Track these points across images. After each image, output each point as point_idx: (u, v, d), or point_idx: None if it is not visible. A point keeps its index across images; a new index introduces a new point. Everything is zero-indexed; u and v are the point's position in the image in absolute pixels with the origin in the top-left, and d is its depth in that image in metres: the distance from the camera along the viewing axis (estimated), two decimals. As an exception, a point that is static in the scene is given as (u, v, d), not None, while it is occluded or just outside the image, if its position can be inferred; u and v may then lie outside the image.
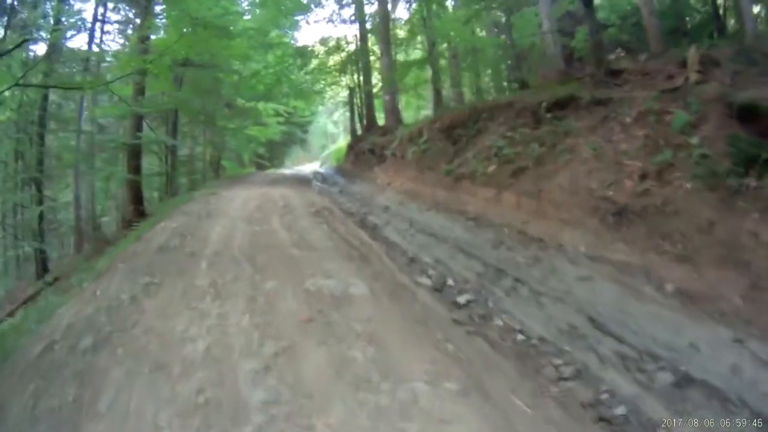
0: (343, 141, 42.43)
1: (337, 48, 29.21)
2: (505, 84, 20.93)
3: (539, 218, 8.25)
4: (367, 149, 21.03)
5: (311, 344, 4.88)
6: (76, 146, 21.21)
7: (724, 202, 5.88)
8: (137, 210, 19.07)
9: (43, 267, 19.87)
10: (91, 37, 21.31)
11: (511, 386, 4.62)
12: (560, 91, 10.25)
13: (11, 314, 12.84)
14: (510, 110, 11.29)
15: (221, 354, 4.79)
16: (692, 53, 8.34)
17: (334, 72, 29.72)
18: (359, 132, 27.79)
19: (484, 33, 21.19)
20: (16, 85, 12.35)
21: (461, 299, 7.07)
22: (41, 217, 20.21)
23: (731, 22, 13.66)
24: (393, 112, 23.34)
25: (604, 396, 4.75)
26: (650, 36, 12.11)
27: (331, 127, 58.20)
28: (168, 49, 14.60)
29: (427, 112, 28.99)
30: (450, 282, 7.78)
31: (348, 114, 45.21)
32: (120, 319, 5.83)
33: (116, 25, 23.61)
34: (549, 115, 9.83)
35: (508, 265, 7.66)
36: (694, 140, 6.77)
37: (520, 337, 5.99)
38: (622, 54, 13.89)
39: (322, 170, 30.86)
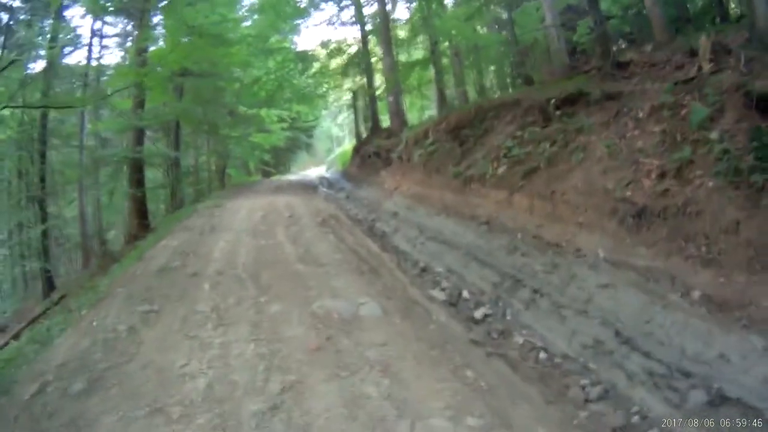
0: (348, 144, 42.16)
1: (338, 51, 28.73)
2: (508, 81, 20.46)
3: (554, 221, 7.78)
4: (372, 152, 20.60)
5: (321, 378, 4.49)
6: (79, 162, 20.92)
7: (749, 200, 5.37)
8: (141, 224, 18.73)
9: (49, 285, 19.59)
10: (90, 52, 21.15)
11: (537, 415, 4.23)
12: (568, 87, 9.77)
13: (17, 336, 12.45)
14: (517, 108, 10.78)
15: (223, 392, 4.40)
16: (703, 41, 7.86)
17: (336, 75, 29.24)
18: (364, 135, 27.34)
19: (485, 30, 20.67)
20: (8, 106, 11.94)
21: (478, 314, 6.66)
22: (45, 234, 19.95)
23: (731, 7, 13.11)
24: (397, 113, 22.85)
25: (635, 419, 4.39)
26: (654, 25, 11.53)
27: (336, 130, 57.74)
28: (163, 60, 14.19)
29: (431, 112, 28.51)
30: (465, 294, 7.37)
31: (352, 117, 45.16)
32: (116, 354, 5.43)
33: (115, 39, 23.45)
34: (558, 113, 9.33)
35: (525, 274, 7.22)
36: (714, 135, 6.26)
37: (542, 355, 5.57)
38: (624, 46, 13.58)
39: (328, 175, 30.53)
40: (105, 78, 22.20)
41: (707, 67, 7.62)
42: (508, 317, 6.53)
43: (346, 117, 49.75)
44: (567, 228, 7.37)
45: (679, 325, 5.01)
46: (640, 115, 7.71)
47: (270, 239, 10.08)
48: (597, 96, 8.85)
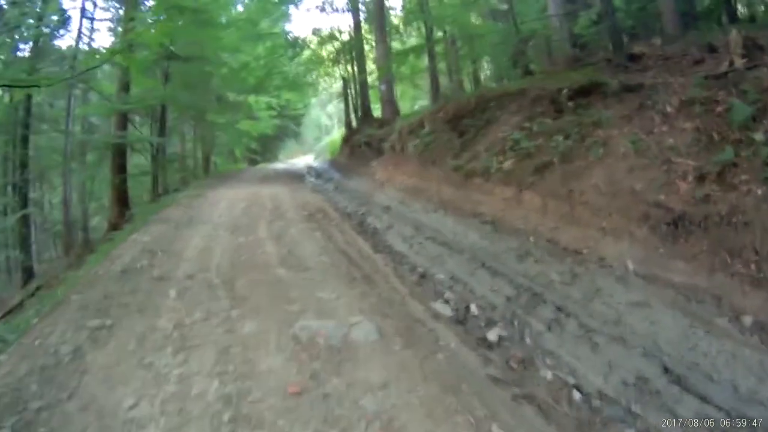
0: (337, 133, 40.94)
1: (330, 38, 27.51)
2: (504, 72, 19.27)
3: (571, 224, 6.81)
4: (363, 142, 19.47)
5: (303, 440, 3.32)
6: (65, 147, 19.87)
7: (805, 211, 4.54)
8: (122, 213, 17.44)
9: (28, 274, 18.44)
10: (79, 34, 19.94)
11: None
12: (578, 78, 8.97)
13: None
14: (522, 98, 9.93)
15: (173, 457, 3.23)
16: (735, 35, 7.16)
17: (327, 62, 28.02)
18: (354, 124, 26.11)
19: (480, 20, 19.56)
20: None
21: (491, 335, 5.51)
22: (25, 221, 18.77)
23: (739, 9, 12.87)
24: (390, 102, 21.71)
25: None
26: (665, 19, 11.16)
27: (325, 119, 56.82)
28: (144, 37, 12.92)
29: (424, 102, 27.56)
30: (474, 309, 6.20)
31: (342, 106, 44.14)
32: (54, 387, 4.23)
33: (107, 23, 22.31)
34: (571, 104, 8.48)
35: (541, 285, 6.14)
36: (759, 136, 5.37)
37: (576, 395, 4.43)
38: (626, 40, 12.64)
39: (316, 164, 29.34)
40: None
41: (740, 62, 6.91)
42: (528, 341, 5.39)
43: (335, 106, 49.31)
44: (587, 232, 6.40)
45: (727, 355, 4.14)
46: (668, 109, 6.86)
47: (250, 236, 8.94)
48: (615, 87, 8.06)
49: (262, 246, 8.17)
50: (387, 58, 21.87)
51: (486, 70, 22.36)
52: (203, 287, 6.35)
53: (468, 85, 20.84)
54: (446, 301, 6.44)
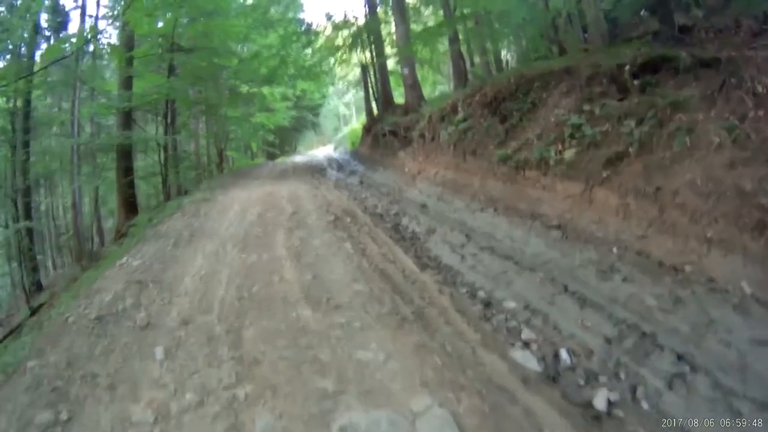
0: (356, 122, 39.32)
1: (345, 23, 25.53)
2: (533, 52, 17.23)
3: (664, 232, 5.42)
4: (388, 131, 17.65)
5: None
6: (71, 150, 18.25)
7: None
8: (129, 219, 15.79)
9: (36, 286, 17.03)
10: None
11: None
12: (630, 53, 7.75)
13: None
14: (571, 77, 8.60)
15: None
16: None
17: (343, 48, 26.07)
18: (375, 112, 24.21)
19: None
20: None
21: (599, 401, 3.70)
22: (30, 233, 17.38)
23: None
24: (413, 87, 19.71)
25: None
26: None
27: (343, 108, 55.03)
28: (139, 23, 11.23)
29: (443, 88, 25.73)
30: (565, 357, 4.35)
31: (360, 94, 42.59)
32: None
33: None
34: (636, 82, 7.22)
35: (639, 313, 4.57)
36: None
37: None
38: (646, 15, 11.13)
39: (336, 155, 27.45)
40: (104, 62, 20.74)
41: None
42: (645, 405, 3.60)
43: (353, 95, 48.53)
44: (687, 244, 5.11)
45: None
46: (760, 89, 5.63)
47: (265, 253, 7.20)
48: (687, 63, 6.80)
49: (279, 269, 6.43)
50: (408, 39, 19.95)
51: (509, 51, 20.29)
52: (201, 341, 4.62)
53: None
54: (527, 345, 4.65)
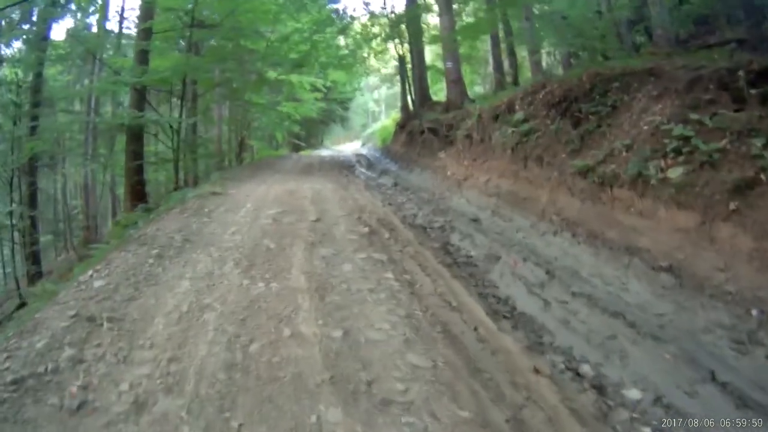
0: (386, 119, 37.37)
1: (383, 11, 23.42)
2: (589, 53, 15.10)
3: None
4: (426, 128, 15.45)
5: None
6: (86, 129, 18.00)
7: None
8: (136, 207, 13.80)
9: (36, 268, 15.64)
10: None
11: None
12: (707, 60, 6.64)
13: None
14: (660, 80, 6.94)
15: None
16: None
17: (380, 38, 23.95)
18: (411, 107, 22.10)
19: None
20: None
21: None
22: (33, 222, 15.98)
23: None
24: (457, 82, 17.46)
25: None
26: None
27: (373, 105, 52.97)
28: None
29: (479, 89, 23.73)
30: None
31: (391, 90, 40.93)
32: None
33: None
34: (753, 92, 5.71)
35: None
36: None
37: None
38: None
39: (365, 152, 25.48)
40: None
41: None
42: None
43: (384, 91, 47.14)
44: None
45: None
46: None
47: (275, 279, 5.10)
48: None
49: (293, 314, 4.32)
50: (453, 30, 17.76)
51: (552, 53, 18.25)
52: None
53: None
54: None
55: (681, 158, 5.62)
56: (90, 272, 5.50)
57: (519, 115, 9.64)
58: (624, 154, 6.53)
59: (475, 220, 8.53)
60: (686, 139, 5.66)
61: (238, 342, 3.81)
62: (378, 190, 11.98)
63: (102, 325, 4.14)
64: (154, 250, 6.18)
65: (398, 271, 5.52)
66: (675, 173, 5.50)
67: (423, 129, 15.77)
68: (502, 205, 8.68)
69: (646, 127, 6.50)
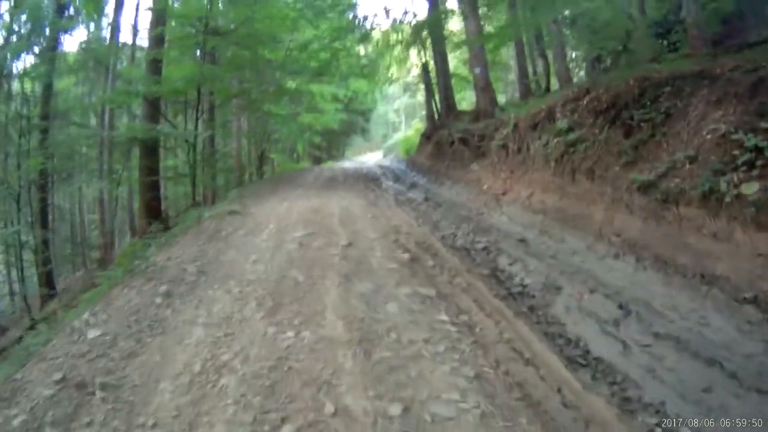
0: (408, 130, 36.89)
1: (404, 17, 22.65)
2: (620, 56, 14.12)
3: None
4: (456, 138, 14.56)
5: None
6: (100, 143, 17.33)
7: None
8: (151, 224, 13.02)
9: (49, 287, 15.05)
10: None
11: None
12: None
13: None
14: (714, 84, 6.29)
15: None
16: None
17: (401, 45, 23.16)
18: (436, 117, 21.25)
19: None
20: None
21: None
22: (44, 226, 15.16)
23: None
24: (486, 90, 16.39)
25: None
26: None
27: (393, 115, 52.19)
28: None
29: (501, 97, 22.84)
30: None
31: (412, 100, 40.33)
32: None
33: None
34: None
35: None
36: None
37: None
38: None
39: (388, 163, 24.57)
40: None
41: None
42: None
43: (403, 101, 46.58)
44: None
45: None
46: None
47: (306, 326, 4.23)
48: None
49: (334, 378, 3.44)
50: (480, 34, 16.86)
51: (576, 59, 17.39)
52: None
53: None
54: None
55: (755, 172, 5.08)
56: (86, 315, 4.66)
57: (562, 123, 8.94)
58: (688, 166, 5.95)
59: (522, 241, 7.63)
60: (759, 151, 5.12)
61: (267, 422, 2.94)
62: (409, 206, 11.07)
63: (94, 393, 3.30)
64: (162, 286, 5.32)
65: (452, 310, 4.63)
66: (750, 189, 4.97)
67: (453, 139, 14.91)
68: (550, 223, 7.93)
69: (709, 137, 5.90)
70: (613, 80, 8.58)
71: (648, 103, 7.23)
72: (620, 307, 5.05)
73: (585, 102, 8.65)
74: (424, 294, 4.96)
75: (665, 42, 10.84)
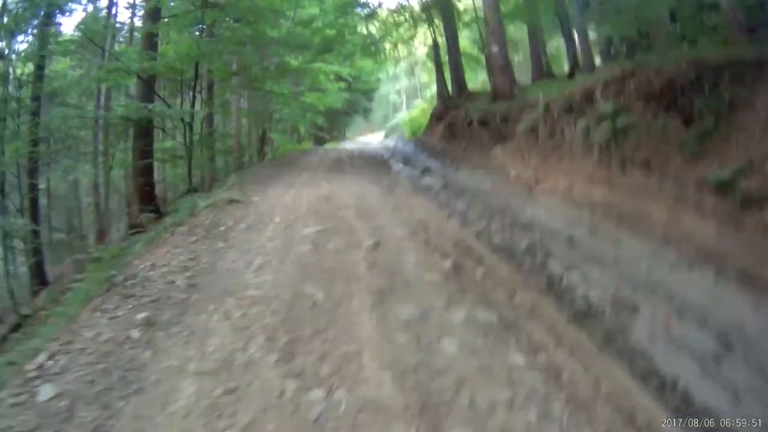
0: (412, 110, 35.79)
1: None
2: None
3: None
4: (476, 120, 13.30)
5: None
6: (95, 125, 16.57)
7: None
8: (144, 210, 12.09)
9: (40, 278, 14.17)
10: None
11: None
12: None
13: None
14: None
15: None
16: None
17: (408, 23, 22.04)
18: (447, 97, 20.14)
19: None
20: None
21: None
22: (34, 214, 14.45)
23: None
24: (504, 69, 14.96)
25: None
26: None
27: (394, 96, 51.08)
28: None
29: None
30: None
31: (413, 81, 39.47)
32: None
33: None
34: None
35: None
36: None
37: None
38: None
39: (393, 144, 23.24)
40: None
41: None
42: None
43: (405, 83, 46.85)
44: None
45: None
46: None
47: (338, 379, 2.98)
48: None
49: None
50: (498, 10, 15.52)
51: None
52: None
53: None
54: None
55: None
56: (42, 357, 3.39)
57: (606, 107, 7.89)
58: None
59: (570, 239, 6.42)
60: None
61: None
62: (428, 194, 9.83)
63: None
64: (142, 311, 4.00)
65: (526, 346, 3.41)
66: None
67: (470, 120, 13.65)
68: (600, 221, 6.70)
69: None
70: (664, 62, 7.51)
71: (707, 89, 6.41)
72: (717, 338, 3.85)
73: (633, 84, 7.65)
74: (482, 321, 3.74)
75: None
